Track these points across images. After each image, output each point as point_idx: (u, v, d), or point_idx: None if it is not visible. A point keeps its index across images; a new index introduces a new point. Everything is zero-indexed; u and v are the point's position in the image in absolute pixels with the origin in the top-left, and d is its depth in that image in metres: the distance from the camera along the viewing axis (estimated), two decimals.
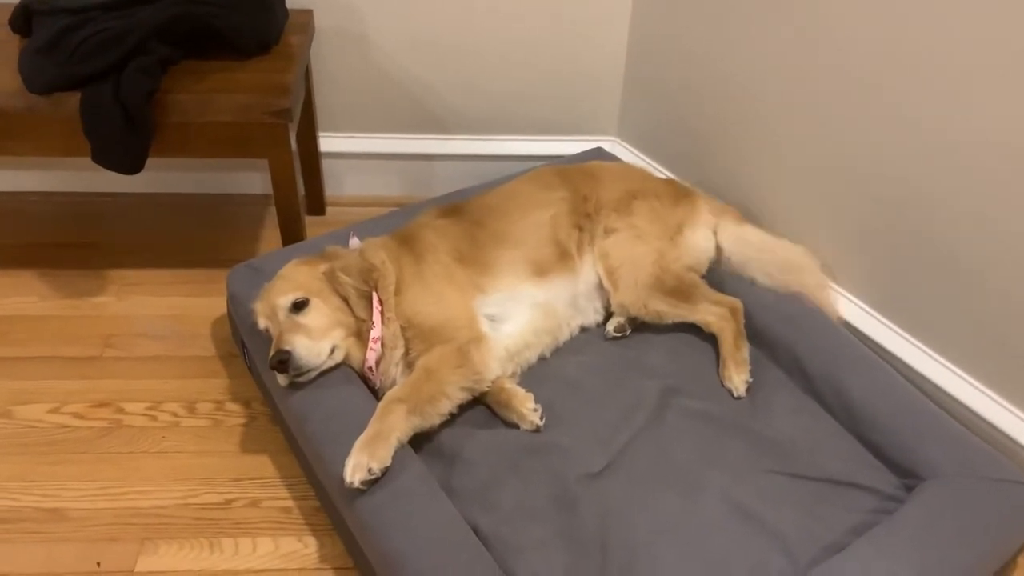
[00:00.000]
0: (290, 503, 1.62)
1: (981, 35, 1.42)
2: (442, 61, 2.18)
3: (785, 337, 1.75)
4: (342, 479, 1.38)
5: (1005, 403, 1.60)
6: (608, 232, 1.82)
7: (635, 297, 1.77)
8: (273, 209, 2.24)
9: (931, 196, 1.59)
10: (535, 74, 2.20)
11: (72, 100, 1.67)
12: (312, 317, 1.56)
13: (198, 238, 2.24)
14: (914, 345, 1.74)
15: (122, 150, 1.68)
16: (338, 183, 2.31)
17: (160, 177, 2.33)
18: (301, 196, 2.08)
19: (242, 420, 1.77)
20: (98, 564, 1.50)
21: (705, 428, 1.63)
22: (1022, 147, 1.42)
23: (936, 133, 1.54)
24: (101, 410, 1.77)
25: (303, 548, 1.54)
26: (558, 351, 1.77)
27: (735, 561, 1.40)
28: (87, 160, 2.21)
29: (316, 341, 1.54)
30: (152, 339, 1.94)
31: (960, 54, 1.46)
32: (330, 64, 2.15)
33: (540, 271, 1.75)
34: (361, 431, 1.43)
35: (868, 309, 1.81)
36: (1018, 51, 1.37)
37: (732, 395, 1.69)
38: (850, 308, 1.83)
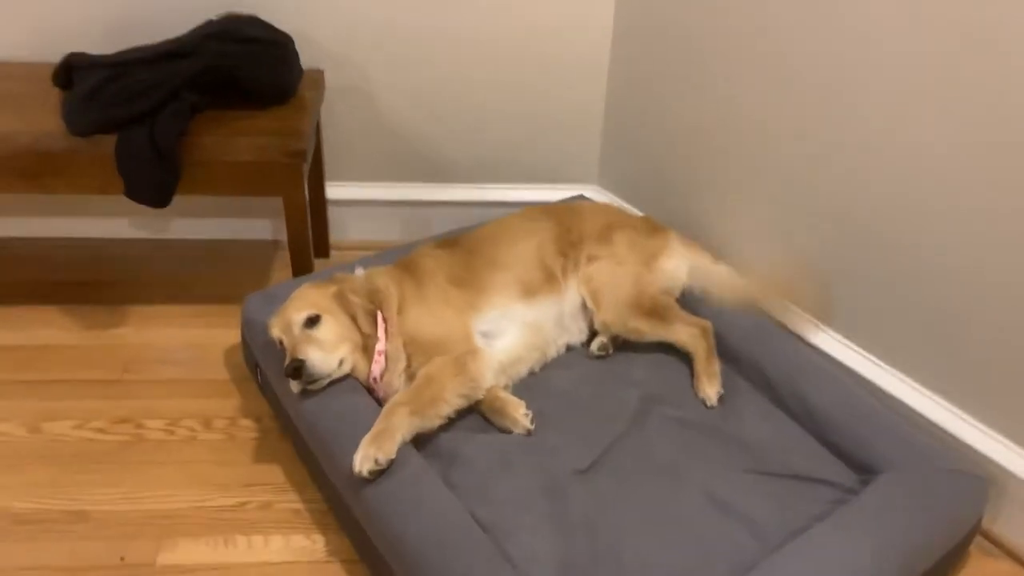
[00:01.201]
0: (300, 506, 1.74)
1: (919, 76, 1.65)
2: (439, 116, 2.40)
3: (751, 353, 1.92)
4: (351, 471, 1.52)
5: (952, 407, 1.77)
6: (591, 260, 2.01)
7: (616, 316, 1.94)
8: (282, 253, 2.46)
9: (891, 232, 1.79)
10: (522, 127, 2.43)
11: (109, 142, 1.87)
12: (323, 331, 1.72)
13: (211, 278, 2.41)
14: (866, 358, 1.92)
15: (152, 186, 1.87)
16: (342, 228, 2.50)
17: (175, 224, 2.52)
18: None
19: (255, 434, 1.91)
20: (121, 558, 1.62)
21: (683, 432, 1.78)
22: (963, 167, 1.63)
23: (891, 168, 1.76)
24: (122, 426, 1.90)
25: (312, 544, 1.67)
26: (546, 366, 1.93)
27: (711, 543, 1.53)
28: (108, 208, 2.42)
29: (327, 353, 1.70)
30: (169, 364, 2.09)
31: (898, 94, 1.69)
32: (338, 118, 2.37)
33: (529, 292, 1.93)
34: (367, 432, 1.58)
35: (829, 331, 1.99)
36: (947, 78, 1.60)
37: (705, 405, 1.85)
38: (817, 334, 2.02)
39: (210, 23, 2.00)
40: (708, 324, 1.95)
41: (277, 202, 2.29)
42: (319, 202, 2.43)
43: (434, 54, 2.32)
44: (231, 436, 1.90)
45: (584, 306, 1.99)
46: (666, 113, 2.25)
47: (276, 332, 1.75)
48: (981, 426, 1.73)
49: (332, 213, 2.47)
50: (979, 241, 1.63)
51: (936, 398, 1.79)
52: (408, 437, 1.60)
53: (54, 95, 2.00)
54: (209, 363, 2.09)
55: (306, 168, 1.99)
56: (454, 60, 2.33)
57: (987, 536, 1.72)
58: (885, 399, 1.84)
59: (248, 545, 1.66)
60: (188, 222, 2.51)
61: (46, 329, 2.18)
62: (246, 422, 1.93)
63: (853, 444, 1.71)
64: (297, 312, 1.73)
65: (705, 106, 2.13)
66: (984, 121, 1.55)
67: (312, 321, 1.72)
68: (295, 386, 1.70)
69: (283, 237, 2.35)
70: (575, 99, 2.41)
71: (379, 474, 1.52)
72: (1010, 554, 1.70)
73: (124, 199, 2.34)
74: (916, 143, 1.67)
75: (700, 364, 1.90)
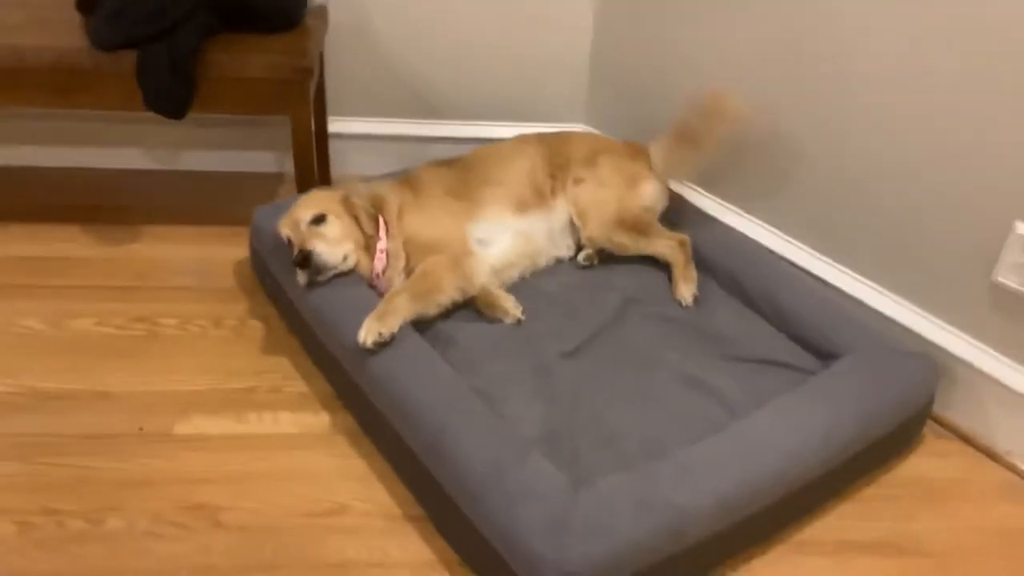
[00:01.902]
0: (306, 390, 1.88)
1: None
2: (435, 55, 2.55)
3: (727, 264, 2.07)
4: (356, 344, 1.66)
5: (907, 303, 1.93)
6: (577, 182, 2.15)
7: (601, 231, 2.09)
8: (287, 185, 2.59)
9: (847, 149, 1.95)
10: (513, 67, 2.58)
11: (129, 57, 1.99)
12: (329, 229, 1.86)
13: (220, 204, 2.54)
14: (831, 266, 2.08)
15: (169, 97, 2.00)
16: (343, 162, 2.64)
17: (185, 156, 2.66)
18: None
19: (263, 332, 2.04)
20: (140, 428, 1.75)
21: (659, 325, 1.93)
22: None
23: (841, 86, 1.91)
24: (139, 324, 2.03)
25: (319, 420, 1.80)
26: (536, 274, 2.08)
27: (684, 412, 1.68)
28: (123, 138, 2.55)
29: (332, 247, 1.84)
30: (180, 274, 2.22)
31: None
32: (340, 55, 2.51)
33: (520, 206, 2.07)
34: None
35: (797, 243, 2.15)
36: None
37: (681, 305, 2.00)
38: (783, 245, 2.17)
39: None
40: (686, 237, 2.10)
41: (283, 135, 2.44)
42: (321, 135, 2.57)
43: None
44: (240, 333, 2.03)
45: (571, 223, 2.14)
46: (651, 52, 2.39)
47: (285, 231, 1.89)
48: (932, 318, 1.88)
49: (333, 146, 2.61)
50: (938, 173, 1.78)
51: (892, 295, 1.95)
52: (408, 319, 1.74)
53: (78, 18, 2.14)
54: (219, 274, 2.23)
55: (312, 86, 2.13)
56: (451, 4, 2.48)
57: (939, 421, 1.88)
58: (848, 300, 2.00)
59: (259, 420, 1.80)
60: (197, 154, 2.65)
61: (65, 243, 2.31)
62: (254, 322, 2.07)
63: (817, 335, 1.86)
64: (305, 211, 1.87)
65: (689, 45, 2.27)
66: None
67: (318, 220, 1.86)
68: (302, 277, 1.84)
69: (288, 169, 2.49)
70: (562, 40, 2.56)
71: (382, 346, 1.66)
72: (959, 435, 1.86)
73: (139, 128, 2.49)
74: (874, 70, 1.84)
75: (678, 270, 2.04)
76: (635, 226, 2.10)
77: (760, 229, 2.21)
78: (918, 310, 1.90)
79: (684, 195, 2.32)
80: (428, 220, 1.97)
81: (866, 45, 1.84)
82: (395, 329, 1.68)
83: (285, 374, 1.92)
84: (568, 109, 2.65)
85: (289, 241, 1.88)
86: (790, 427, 1.56)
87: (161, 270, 2.24)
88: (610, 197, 2.12)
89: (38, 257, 2.25)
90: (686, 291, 2.01)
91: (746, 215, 2.26)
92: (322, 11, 2.38)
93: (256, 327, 2.06)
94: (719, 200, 2.32)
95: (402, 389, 1.60)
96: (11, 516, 1.55)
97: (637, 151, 2.24)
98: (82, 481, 1.63)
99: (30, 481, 1.63)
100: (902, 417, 1.69)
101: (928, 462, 1.80)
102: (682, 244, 2.08)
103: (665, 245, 2.08)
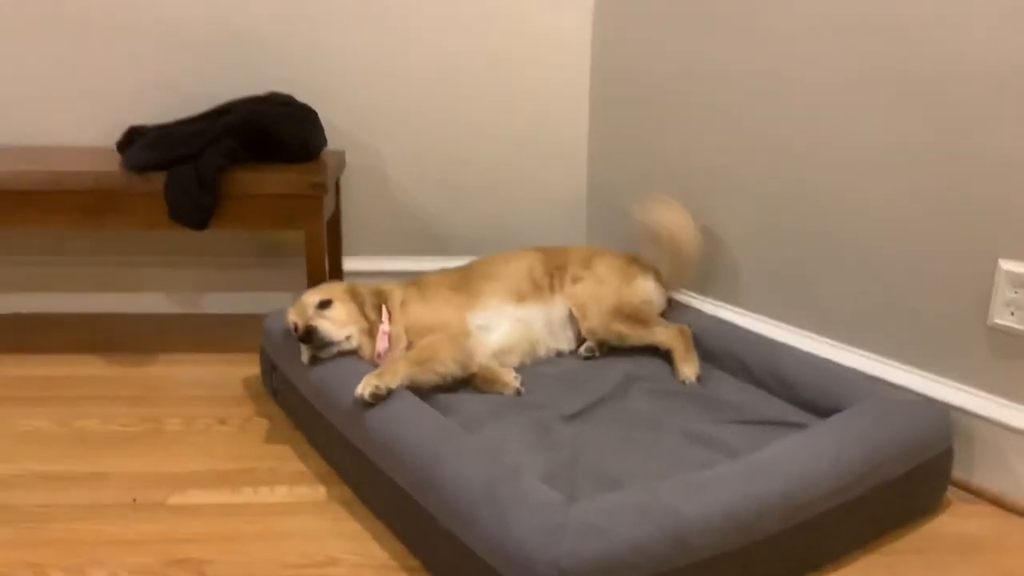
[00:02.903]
0: (304, 468, 1.85)
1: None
2: (443, 193, 2.75)
3: (728, 347, 2.09)
4: (353, 398, 1.67)
5: (912, 369, 1.90)
6: (575, 280, 2.23)
7: (600, 322, 2.13)
8: None
9: (839, 229, 2.04)
10: (514, 204, 2.77)
11: (159, 178, 2.19)
12: (334, 313, 1.93)
13: (235, 338, 2.60)
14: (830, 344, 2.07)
15: (193, 208, 2.17)
16: None
17: (205, 299, 2.79)
18: None
19: (267, 427, 2.04)
20: (134, 500, 1.72)
21: (662, 396, 1.93)
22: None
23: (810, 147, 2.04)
24: (144, 422, 2.04)
25: (314, 492, 1.76)
26: (537, 362, 2.11)
27: (688, 461, 1.62)
28: (147, 283, 2.71)
29: (336, 326, 1.90)
30: (190, 386, 2.26)
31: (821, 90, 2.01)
32: (354, 197, 2.72)
33: (519, 297, 2.15)
34: None
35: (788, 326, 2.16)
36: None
37: (685, 384, 1.99)
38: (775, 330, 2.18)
39: (251, 96, 2.41)
40: (685, 327, 2.13)
41: (299, 276, 2.57)
42: (336, 273, 2.71)
43: (440, 140, 2.71)
44: (244, 429, 2.03)
45: (571, 316, 2.19)
46: (642, 170, 2.57)
47: (292, 317, 1.96)
48: (937, 377, 1.85)
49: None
50: (915, 228, 1.86)
51: (893, 362, 1.93)
52: (406, 382, 1.76)
53: (117, 157, 2.36)
54: (227, 386, 2.26)
55: (327, 203, 2.29)
56: (456, 145, 2.72)
57: (963, 487, 1.78)
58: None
59: (254, 493, 1.76)
60: (217, 296, 2.78)
61: (81, 367, 2.38)
62: (259, 420, 2.07)
63: (821, 395, 1.84)
64: (312, 297, 1.96)
65: (677, 159, 2.44)
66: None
67: (324, 304, 1.94)
68: (305, 353, 1.88)
69: None
70: (560, 170, 2.77)
71: (380, 400, 1.67)
72: (987, 497, 1.75)
73: (161, 272, 2.64)
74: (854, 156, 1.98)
75: (679, 355, 2.06)
76: (633, 316, 2.14)
77: (754, 321, 2.24)
78: (922, 372, 1.87)
79: (678, 299, 2.38)
80: (430, 308, 2.04)
81: (838, 123, 1.98)
82: (392, 385, 1.69)
83: (284, 458, 1.90)
84: (570, 232, 2.78)
85: (295, 326, 1.94)
86: (798, 452, 1.51)
87: (171, 383, 2.29)
88: (608, 291, 2.18)
89: (52, 376, 2.32)
90: (689, 371, 2.01)
91: (738, 309, 2.30)
92: (340, 154, 2.62)
93: (260, 423, 2.06)
94: (712, 300, 2.37)
95: (393, 430, 1.59)
96: None
97: (634, 257, 2.33)
98: (68, 541, 1.59)
99: (16, 542, 1.59)
100: (917, 458, 1.62)
101: (957, 521, 1.69)
102: (682, 331, 2.11)
103: (664, 333, 2.11)
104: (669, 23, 2.41)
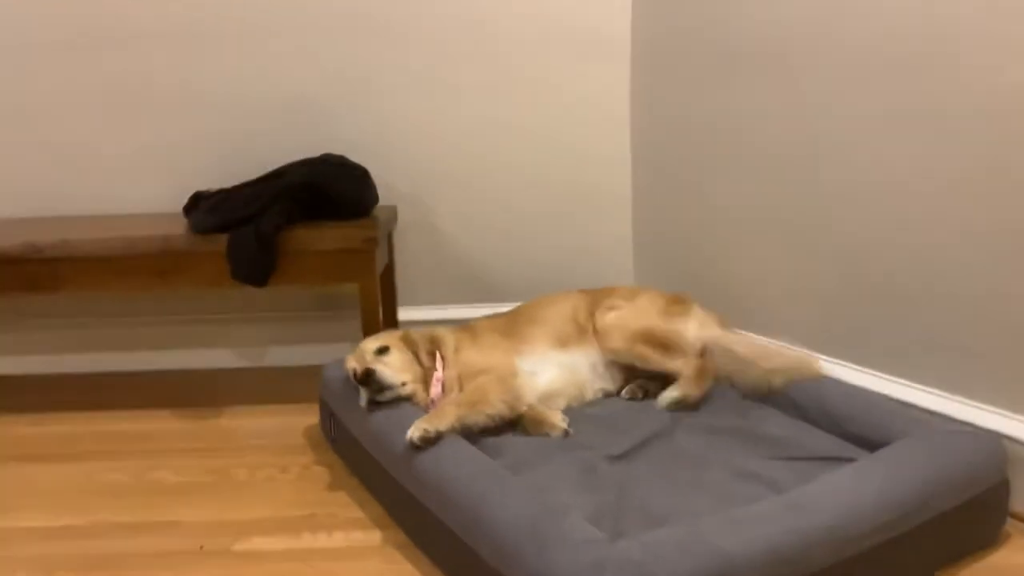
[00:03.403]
0: (361, 515, 1.91)
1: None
2: (491, 242, 2.85)
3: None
4: (404, 443, 1.73)
5: (965, 400, 1.88)
6: (611, 309, 2.26)
7: (622, 344, 2.16)
8: None
9: (893, 270, 2.04)
10: (562, 250, 2.84)
11: (222, 240, 2.32)
12: (391, 359, 2.01)
13: (297, 389, 2.69)
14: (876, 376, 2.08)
15: (253, 267, 2.28)
16: None
17: (269, 352, 2.91)
18: None
19: (327, 475, 2.11)
20: (201, 547, 1.80)
21: (709, 433, 1.94)
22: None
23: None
24: (213, 473, 2.14)
25: (370, 536, 1.82)
26: (584, 405, 2.14)
27: (733, 498, 1.62)
28: (215, 339, 2.83)
29: (393, 371, 1.97)
30: (255, 437, 2.37)
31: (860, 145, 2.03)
32: (408, 249, 2.83)
33: (563, 342, 2.20)
34: None
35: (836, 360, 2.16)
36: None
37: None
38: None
39: (305, 159, 2.54)
40: (708, 361, 2.14)
41: (357, 328, 2.66)
42: (392, 323, 2.80)
43: (487, 193, 2.81)
44: (304, 477, 2.11)
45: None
46: (687, 207, 2.61)
47: (351, 363, 2.03)
48: (993, 408, 1.82)
49: None
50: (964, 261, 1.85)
51: (947, 395, 1.91)
52: (456, 425, 1.81)
53: (183, 221, 2.51)
54: (289, 436, 2.35)
55: (379, 256, 2.39)
56: (503, 197, 2.82)
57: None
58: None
59: (313, 538, 1.82)
60: (280, 350, 2.91)
61: (155, 422, 2.50)
62: (319, 468, 2.15)
63: (871, 429, 1.82)
64: (370, 344, 2.04)
65: (722, 198, 2.49)
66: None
67: (382, 351, 2.02)
68: (363, 397, 1.95)
69: None
70: (606, 224, 2.84)
71: (429, 443, 1.72)
72: None
73: (228, 329, 2.76)
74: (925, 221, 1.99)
75: (680, 379, 2.09)
76: (660, 342, 2.15)
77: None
78: (975, 403, 1.85)
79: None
80: (480, 353, 2.11)
81: (884, 162, 2.00)
82: (442, 428, 1.75)
83: (343, 504, 1.96)
84: (619, 277, 2.82)
85: (354, 372, 2.01)
86: (843, 486, 1.51)
87: (238, 434, 2.40)
88: (639, 317, 2.20)
89: (130, 431, 2.44)
90: (667, 393, 2.07)
91: (784, 343, 2.30)
92: (392, 209, 2.72)
93: (320, 471, 2.14)
94: (760, 335, 2.38)
95: (442, 472, 1.65)
96: None
97: (680, 299, 2.35)
98: None
99: None
100: (970, 491, 1.60)
101: (1017, 555, 1.66)
102: (700, 365, 2.11)
103: (683, 362, 2.12)
104: (703, 74, 2.47)
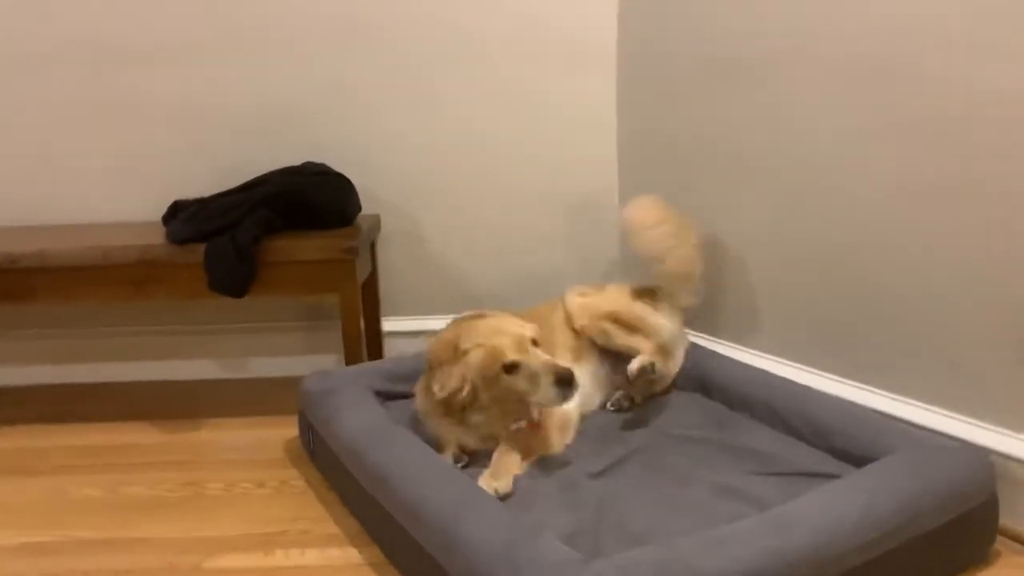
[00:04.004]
0: (336, 530, 1.87)
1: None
2: (475, 251, 2.80)
3: (759, 394, 2.04)
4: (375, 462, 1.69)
5: (949, 412, 1.84)
6: (582, 295, 2.26)
7: (588, 321, 2.17)
8: None
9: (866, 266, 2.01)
10: (544, 259, 2.79)
11: (199, 249, 2.28)
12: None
13: (277, 400, 2.64)
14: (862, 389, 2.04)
15: (231, 278, 2.24)
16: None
17: (252, 363, 2.87)
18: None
19: (303, 490, 2.07)
20: (170, 563, 1.75)
21: (692, 445, 1.91)
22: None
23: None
24: (187, 487, 2.10)
25: (345, 554, 1.77)
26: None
27: (718, 517, 1.58)
28: (195, 350, 2.78)
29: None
30: (232, 451, 2.32)
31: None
32: (392, 259, 2.78)
33: (577, 355, 2.15)
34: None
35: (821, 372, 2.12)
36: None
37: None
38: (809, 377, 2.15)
39: (286, 167, 2.50)
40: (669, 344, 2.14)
41: (338, 339, 2.61)
42: (376, 334, 2.76)
43: (471, 202, 2.77)
44: (280, 492, 2.07)
45: (614, 366, 2.17)
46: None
47: (512, 355, 1.80)
48: (983, 423, 1.79)
49: (387, 342, 2.80)
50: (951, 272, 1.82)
51: (935, 408, 1.88)
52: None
53: (162, 231, 2.47)
54: (268, 449, 2.30)
55: (360, 266, 2.35)
56: (487, 206, 2.77)
57: (1015, 537, 1.70)
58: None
59: (286, 556, 1.78)
60: (259, 361, 2.86)
61: (130, 434, 2.45)
62: (296, 483, 2.11)
63: (857, 444, 1.78)
64: (514, 327, 1.89)
65: (711, 226, 2.45)
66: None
67: (534, 342, 1.87)
68: (561, 396, 1.77)
69: None
70: (591, 234, 2.80)
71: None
72: None
73: (208, 339, 2.71)
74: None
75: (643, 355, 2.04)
76: (626, 323, 2.14)
77: (788, 368, 2.21)
78: (964, 417, 1.81)
79: (711, 347, 2.36)
80: None
81: (869, 170, 1.97)
82: (510, 488, 1.70)
83: (318, 519, 1.92)
84: (603, 281, 2.74)
85: (515, 364, 1.80)
86: (825, 504, 1.47)
87: (214, 448, 2.35)
88: (608, 301, 2.22)
89: (103, 444, 2.39)
90: (637, 359, 2.02)
91: (772, 356, 2.28)
92: (374, 218, 2.68)
93: (297, 486, 2.09)
94: (746, 348, 2.36)
95: (418, 492, 1.60)
96: None
97: (654, 290, 2.31)
98: None
99: None
100: (957, 508, 1.55)
101: (1007, 572, 1.62)
102: (662, 344, 2.11)
103: (645, 341, 2.10)
104: (689, 84, 2.44)
